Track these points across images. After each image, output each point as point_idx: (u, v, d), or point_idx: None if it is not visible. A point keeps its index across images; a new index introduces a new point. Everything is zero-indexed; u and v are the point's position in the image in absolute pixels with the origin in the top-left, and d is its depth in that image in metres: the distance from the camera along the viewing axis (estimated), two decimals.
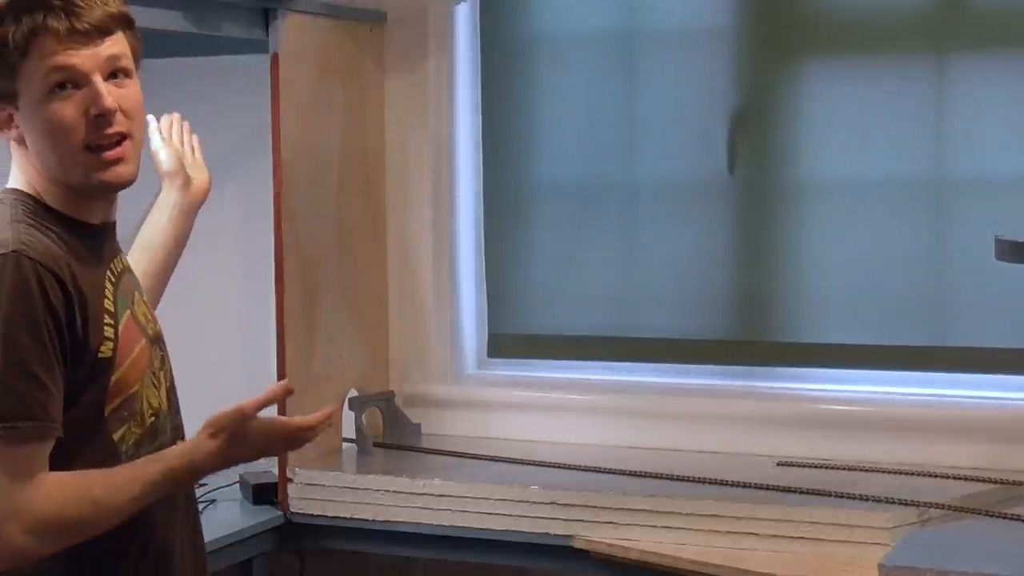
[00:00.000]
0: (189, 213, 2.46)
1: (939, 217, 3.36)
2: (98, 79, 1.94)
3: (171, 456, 2.00)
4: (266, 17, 3.26)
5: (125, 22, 1.99)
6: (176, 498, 2.09)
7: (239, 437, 2.01)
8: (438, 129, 3.67)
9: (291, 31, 3.29)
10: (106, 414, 1.97)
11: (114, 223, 2.08)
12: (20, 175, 2.01)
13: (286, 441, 2.10)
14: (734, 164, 3.51)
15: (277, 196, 3.29)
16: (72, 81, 1.93)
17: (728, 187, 3.53)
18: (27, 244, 1.89)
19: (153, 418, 2.05)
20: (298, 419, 2.09)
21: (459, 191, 3.72)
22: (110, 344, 1.96)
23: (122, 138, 1.97)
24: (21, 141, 1.98)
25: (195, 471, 2.01)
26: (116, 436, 1.98)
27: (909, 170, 3.37)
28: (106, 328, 1.96)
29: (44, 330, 1.87)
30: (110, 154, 1.96)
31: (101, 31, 1.95)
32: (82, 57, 1.93)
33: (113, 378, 1.97)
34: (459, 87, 3.70)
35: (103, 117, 1.94)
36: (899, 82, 3.37)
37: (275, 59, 3.26)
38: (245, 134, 3.76)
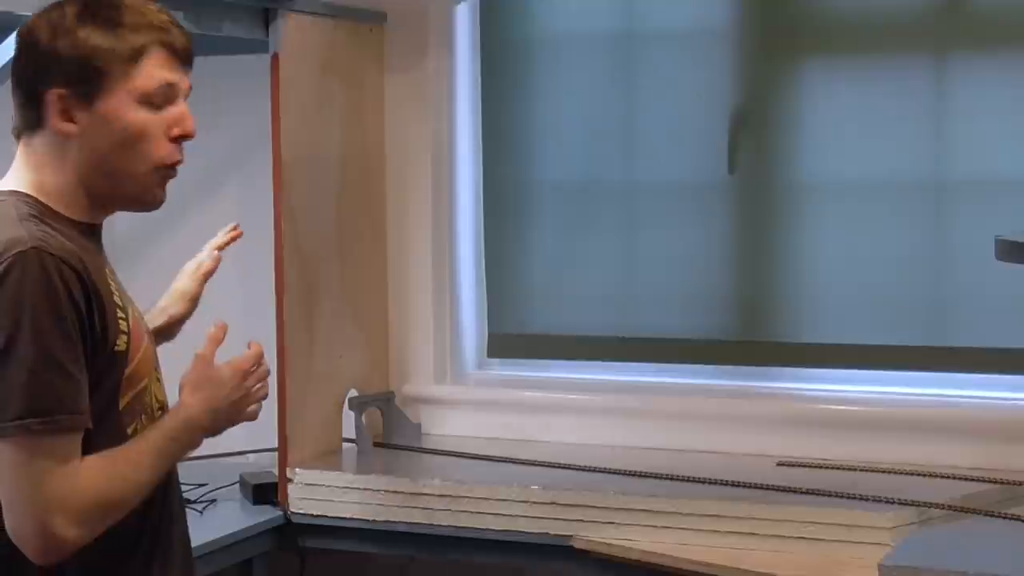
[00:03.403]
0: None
1: (939, 217, 3.36)
2: (184, 102, 2.04)
3: (164, 421, 2.04)
4: (266, 17, 3.26)
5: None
6: (172, 502, 2.11)
7: (215, 383, 2.07)
8: (438, 129, 3.67)
9: (291, 31, 3.29)
10: (121, 408, 1.99)
11: (101, 225, 2.10)
12: (23, 174, 2.01)
13: (250, 373, 2.12)
14: (734, 164, 3.52)
15: (277, 196, 3.29)
16: (167, 98, 2.01)
17: (728, 187, 3.53)
18: (43, 240, 1.91)
19: (160, 412, 2.08)
20: (251, 352, 2.15)
21: (459, 191, 3.72)
22: (124, 338, 1.98)
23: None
24: (71, 136, 1.99)
25: (191, 427, 2.04)
26: (129, 430, 2.01)
27: (909, 170, 3.37)
28: (120, 322, 1.98)
29: (69, 324, 1.89)
30: (172, 175, 2.06)
31: (191, 61, 2.06)
32: (180, 79, 2.03)
33: (127, 372, 1.99)
34: (459, 87, 3.70)
35: (182, 138, 2.04)
36: (899, 82, 3.37)
37: (275, 59, 3.26)
38: (245, 134, 3.76)
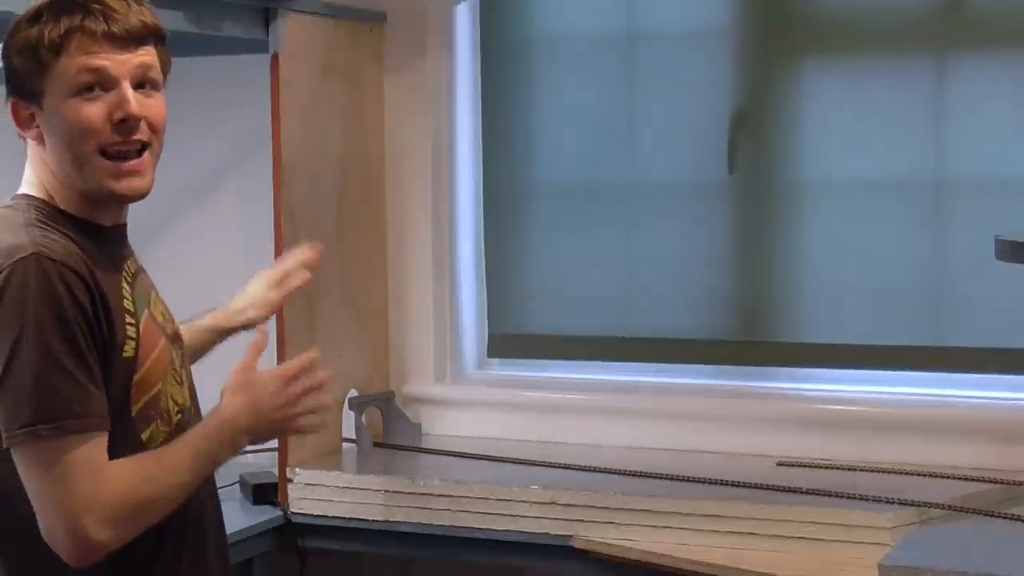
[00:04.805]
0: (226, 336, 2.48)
1: (939, 217, 3.36)
2: (126, 85, 1.97)
3: (204, 424, 2.04)
4: (266, 17, 3.26)
5: (159, 35, 2.03)
6: (203, 502, 2.11)
7: (256, 386, 2.04)
8: (438, 129, 3.67)
9: (291, 31, 3.29)
10: (133, 414, 1.99)
11: (124, 225, 2.10)
12: (34, 177, 2.03)
13: (294, 380, 2.09)
14: (734, 164, 3.51)
15: (277, 196, 3.29)
16: (101, 84, 1.96)
17: (728, 187, 3.53)
18: (45, 246, 1.91)
19: (179, 415, 2.07)
20: (294, 360, 2.11)
21: (459, 191, 3.72)
22: (132, 344, 1.98)
23: (142, 148, 1.99)
24: (40, 141, 2.00)
25: (229, 427, 2.02)
26: (144, 436, 2.00)
27: (909, 170, 3.37)
28: (128, 328, 1.98)
29: (76, 329, 1.89)
30: (129, 165, 1.98)
31: (135, 39, 1.98)
32: (114, 61, 1.96)
33: (136, 378, 1.99)
34: (459, 87, 3.70)
35: (127, 122, 1.96)
36: (899, 82, 3.37)
37: (275, 59, 3.26)
38: (245, 134, 3.76)
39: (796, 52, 3.49)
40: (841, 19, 3.44)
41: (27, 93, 1.99)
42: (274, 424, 2.08)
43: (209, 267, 3.75)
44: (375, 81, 3.64)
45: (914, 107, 3.35)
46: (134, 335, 1.98)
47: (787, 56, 3.50)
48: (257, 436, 2.07)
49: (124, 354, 1.96)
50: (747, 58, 3.54)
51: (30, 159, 2.04)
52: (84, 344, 1.89)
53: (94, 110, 1.95)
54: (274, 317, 3.27)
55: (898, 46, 3.38)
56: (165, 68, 2.05)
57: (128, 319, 1.98)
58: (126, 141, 1.97)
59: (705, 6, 3.56)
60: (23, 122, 2.01)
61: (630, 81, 3.63)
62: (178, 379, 2.09)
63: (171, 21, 2.94)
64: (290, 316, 3.30)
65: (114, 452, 1.93)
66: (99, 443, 1.91)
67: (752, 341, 3.55)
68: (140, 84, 1.99)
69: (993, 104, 3.29)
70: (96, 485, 1.89)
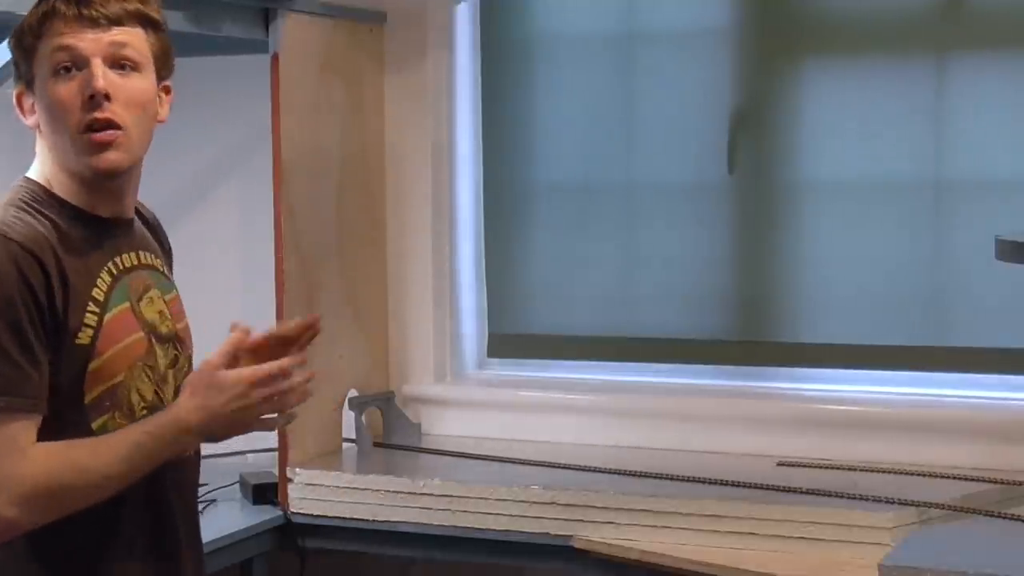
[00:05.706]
0: None
1: (939, 217, 3.36)
2: (97, 62, 1.97)
3: (152, 419, 1.99)
4: (266, 17, 3.26)
5: (142, 19, 2.03)
6: (172, 500, 2.10)
7: (214, 388, 1.97)
8: (438, 129, 3.67)
9: (291, 31, 3.29)
10: (87, 401, 1.98)
11: (130, 219, 2.10)
12: (38, 164, 2.05)
13: (260, 385, 2.00)
14: (734, 164, 3.52)
15: (277, 196, 3.29)
16: (74, 63, 1.97)
17: (728, 187, 3.53)
18: (9, 225, 1.92)
19: (145, 412, 2.03)
20: (268, 364, 2.01)
21: (459, 191, 3.72)
22: (89, 331, 1.97)
23: (114, 126, 1.98)
24: (38, 128, 2.03)
25: (177, 427, 1.97)
26: (96, 425, 1.98)
27: (909, 170, 3.37)
28: (87, 315, 1.97)
29: (21, 310, 1.89)
30: (98, 136, 1.97)
31: (110, 20, 1.99)
32: (85, 40, 1.98)
33: (92, 365, 1.97)
34: (459, 87, 3.70)
35: (94, 99, 1.96)
36: (899, 82, 3.37)
37: (275, 59, 3.26)
38: (245, 134, 3.76)
39: (796, 52, 3.49)
40: (841, 19, 3.44)
41: (25, 81, 2.03)
42: (230, 425, 2.01)
43: (209, 267, 3.74)
44: (375, 81, 3.64)
45: (914, 107, 3.35)
46: (93, 323, 1.97)
47: (787, 56, 3.50)
48: (212, 435, 2.03)
49: (78, 340, 1.95)
50: (747, 58, 3.54)
51: (37, 149, 2.06)
52: (28, 326, 1.89)
53: (68, 89, 1.97)
54: (274, 318, 3.28)
55: (898, 46, 3.38)
56: (157, 51, 2.04)
57: (91, 307, 1.97)
58: (95, 119, 1.96)
59: (705, 6, 3.57)
60: (26, 111, 2.04)
61: (630, 81, 3.63)
62: (150, 375, 2.06)
63: (171, 21, 2.88)
64: (290, 316, 3.30)
65: (63, 438, 1.93)
66: (27, 425, 1.90)
67: (752, 341, 3.55)
68: (119, 65, 1.99)
69: (993, 104, 3.29)
70: (15, 464, 1.88)
